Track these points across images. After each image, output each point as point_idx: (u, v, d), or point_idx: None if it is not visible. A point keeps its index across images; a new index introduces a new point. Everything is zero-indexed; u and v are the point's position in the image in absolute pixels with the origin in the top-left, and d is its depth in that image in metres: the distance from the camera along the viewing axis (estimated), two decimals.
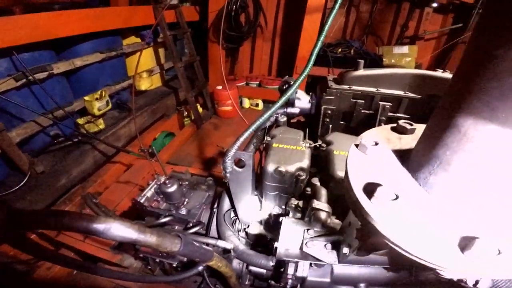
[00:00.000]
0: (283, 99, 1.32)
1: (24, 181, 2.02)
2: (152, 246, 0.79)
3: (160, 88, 3.56)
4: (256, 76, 3.89)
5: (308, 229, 1.04)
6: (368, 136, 0.75)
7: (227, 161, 1.25)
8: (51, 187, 2.14)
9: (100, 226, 0.65)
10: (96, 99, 2.49)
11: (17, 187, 1.98)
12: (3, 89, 1.88)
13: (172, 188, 1.90)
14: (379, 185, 0.54)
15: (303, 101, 1.68)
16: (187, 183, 2.08)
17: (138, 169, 2.58)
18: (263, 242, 1.56)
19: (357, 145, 0.70)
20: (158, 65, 3.48)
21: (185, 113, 3.61)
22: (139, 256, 1.77)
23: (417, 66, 3.33)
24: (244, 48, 4.01)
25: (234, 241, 1.48)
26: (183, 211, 1.90)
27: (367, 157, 0.66)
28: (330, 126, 1.63)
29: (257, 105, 3.84)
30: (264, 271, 1.39)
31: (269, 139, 1.41)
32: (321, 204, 1.03)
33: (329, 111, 1.58)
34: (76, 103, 2.43)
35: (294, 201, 1.29)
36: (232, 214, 1.86)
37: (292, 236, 1.04)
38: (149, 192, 1.92)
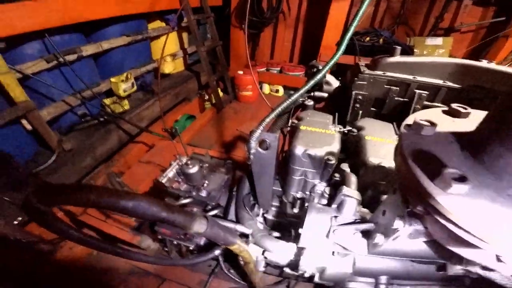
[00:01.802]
0: (312, 81, 1.22)
1: (53, 158, 2.05)
2: (180, 225, 0.75)
3: (183, 72, 3.51)
4: (277, 63, 3.74)
5: (336, 217, 0.95)
6: (421, 116, 0.64)
7: (251, 142, 1.18)
8: (77, 164, 2.16)
9: (129, 203, 0.60)
10: (122, 81, 2.48)
11: (46, 164, 2.01)
12: (36, 70, 1.88)
13: (193, 170, 1.86)
14: (443, 165, 0.44)
15: (332, 85, 1.57)
16: (207, 165, 2.04)
17: (160, 149, 2.57)
18: (281, 228, 1.51)
19: (408, 126, 0.60)
20: (182, 49, 3.41)
21: (206, 97, 3.56)
22: (157, 238, 1.77)
23: None
24: (265, 34, 3.86)
25: (253, 226, 1.42)
26: (203, 193, 1.86)
27: (423, 138, 0.56)
28: (360, 112, 1.51)
29: (277, 91, 3.72)
30: (281, 259, 1.31)
31: (295, 121, 1.31)
32: (352, 191, 0.95)
33: (360, 97, 1.46)
34: (103, 84, 2.42)
35: (320, 187, 1.21)
36: (252, 198, 1.81)
37: (318, 223, 0.96)
38: (170, 173, 1.89)
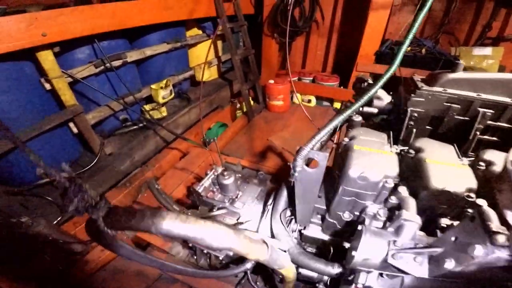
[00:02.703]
0: (366, 96, 1.11)
1: (95, 161, 2.10)
2: (242, 254, 0.68)
3: (217, 80, 3.52)
4: (309, 72, 3.64)
5: (394, 241, 0.93)
6: None
7: (298, 160, 1.11)
8: (116, 168, 2.20)
9: (198, 232, 0.54)
10: (161, 87, 2.51)
11: (88, 167, 2.06)
12: (85, 75, 1.94)
13: (229, 180, 1.82)
14: None
15: (384, 100, 1.45)
16: (239, 175, 1.99)
17: (194, 157, 2.56)
18: (318, 246, 1.46)
19: None
20: (216, 57, 3.43)
21: (238, 105, 3.54)
22: (187, 245, 1.73)
23: (501, 69, 2.82)
24: (297, 43, 3.79)
25: (289, 242, 1.36)
26: (238, 205, 1.81)
27: None
28: (414, 130, 1.38)
29: (309, 101, 3.61)
30: (315, 275, 1.31)
31: (347, 139, 1.22)
32: (413, 216, 0.90)
33: (415, 114, 1.33)
34: (144, 91, 2.46)
35: (373, 208, 1.11)
36: (287, 213, 1.72)
37: (374, 246, 0.93)
38: (206, 182, 1.86)
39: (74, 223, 1.91)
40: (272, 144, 2.93)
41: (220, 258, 1.61)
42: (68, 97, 1.83)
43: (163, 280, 1.71)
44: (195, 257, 1.86)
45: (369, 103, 1.50)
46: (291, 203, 1.60)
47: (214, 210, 1.82)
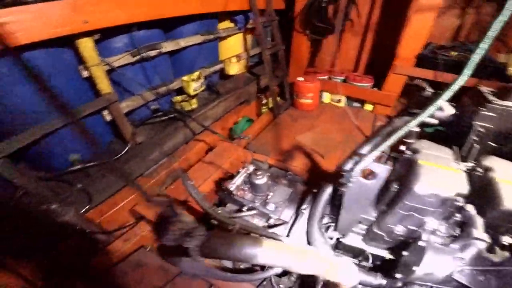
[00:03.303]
0: (434, 106, 1.00)
1: (126, 149, 2.08)
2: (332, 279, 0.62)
3: (245, 74, 3.43)
4: (341, 71, 3.48)
5: (460, 257, 0.92)
6: None
7: (356, 170, 1.04)
8: (145, 158, 2.17)
9: (293, 262, 0.47)
10: (193, 80, 2.45)
11: (120, 155, 2.04)
12: (121, 63, 1.90)
13: (262, 181, 1.75)
14: None
15: (446, 111, 1.32)
16: (269, 175, 1.90)
17: (221, 151, 2.51)
18: (355, 254, 1.42)
19: None
20: (245, 51, 3.34)
21: (264, 101, 3.44)
22: None
23: None
24: (328, 40, 3.61)
25: (328, 250, 1.35)
26: (270, 207, 1.74)
27: None
28: (477, 146, 1.24)
29: (339, 101, 3.46)
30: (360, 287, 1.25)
31: (409, 152, 1.11)
32: (482, 235, 0.89)
33: (482, 129, 1.20)
34: (175, 82, 2.41)
35: (432, 224, 1.02)
36: (325, 220, 1.65)
37: (438, 262, 0.93)
38: (238, 180, 1.80)
39: (100, 211, 1.90)
40: (300, 144, 2.82)
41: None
42: (104, 85, 1.81)
43: (183, 276, 1.68)
44: None
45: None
46: (332, 210, 1.52)
47: (243, 209, 1.76)
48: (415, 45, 2.69)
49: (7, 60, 1.38)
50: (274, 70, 3.45)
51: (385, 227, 1.15)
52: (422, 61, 2.81)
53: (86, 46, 1.60)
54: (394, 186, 1.10)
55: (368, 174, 1.09)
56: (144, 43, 2.01)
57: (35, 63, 1.49)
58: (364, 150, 1.39)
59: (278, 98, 3.49)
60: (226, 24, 3.00)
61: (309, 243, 1.46)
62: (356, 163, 1.03)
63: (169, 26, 2.31)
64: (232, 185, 1.72)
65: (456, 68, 2.68)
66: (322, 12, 2.89)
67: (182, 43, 2.32)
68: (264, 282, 1.72)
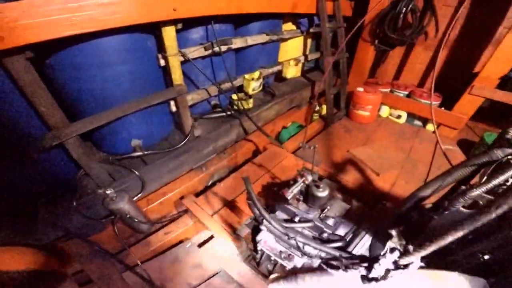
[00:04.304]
0: None
1: (184, 141, 2.09)
2: None
3: (299, 78, 3.34)
4: (405, 85, 3.23)
5: None
6: None
7: (460, 200, 0.92)
8: (200, 151, 2.17)
9: None
10: (253, 79, 2.41)
11: (178, 146, 2.06)
12: (195, 56, 1.91)
13: (323, 194, 1.64)
14: None
15: None
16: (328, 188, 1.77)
17: (271, 155, 2.44)
18: None
19: None
20: (303, 55, 3.24)
21: (316, 108, 3.31)
22: (256, 248, 1.61)
23: None
24: (394, 52, 3.38)
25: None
26: (331, 222, 1.62)
27: None
28: None
29: (399, 116, 3.21)
30: None
31: None
32: None
33: None
34: (238, 79, 2.40)
35: None
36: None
37: None
38: (296, 189, 1.70)
39: (147, 200, 1.92)
40: (353, 158, 2.65)
41: (288, 268, 1.52)
42: (178, 76, 1.82)
43: (219, 277, 1.63)
44: (257, 260, 1.75)
45: None
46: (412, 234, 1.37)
47: (295, 219, 1.67)
48: (504, 65, 2.39)
49: (97, 43, 1.43)
50: (333, 77, 3.31)
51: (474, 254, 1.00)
52: (506, 83, 2.49)
53: (169, 34, 1.62)
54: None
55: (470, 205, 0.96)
56: (217, 37, 2.01)
57: (122, 47, 1.53)
58: (452, 178, 1.23)
59: None
60: (289, 26, 2.94)
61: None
62: (463, 193, 0.91)
63: (239, 22, 2.30)
64: (290, 194, 1.63)
65: None
66: (398, 23, 2.69)
67: (250, 40, 2.29)
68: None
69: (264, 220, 1.49)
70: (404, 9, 2.66)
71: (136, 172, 1.84)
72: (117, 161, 1.89)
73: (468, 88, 2.61)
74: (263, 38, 2.44)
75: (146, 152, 1.96)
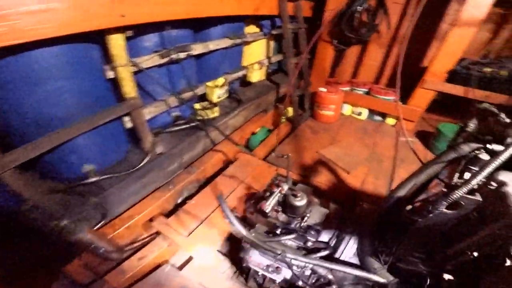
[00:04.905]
0: None
1: (146, 160, 1.88)
2: None
3: (264, 82, 3.27)
4: (363, 83, 3.36)
5: None
6: None
7: (443, 203, 0.92)
8: (164, 169, 1.98)
9: None
10: (217, 86, 2.28)
11: (139, 166, 1.84)
12: (149, 65, 1.71)
13: (302, 203, 1.59)
14: None
15: None
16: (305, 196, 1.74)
17: (243, 164, 2.33)
18: (406, 278, 1.30)
19: None
20: (267, 58, 3.19)
21: (283, 111, 3.28)
22: (242, 265, 1.52)
23: None
24: (350, 51, 3.50)
25: (386, 275, 1.27)
26: (313, 230, 1.58)
27: None
28: None
29: (360, 113, 3.33)
30: None
31: (494, 184, 0.97)
32: None
33: None
34: (200, 88, 2.24)
35: None
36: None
37: None
38: (273, 201, 1.62)
39: (113, 226, 1.70)
40: (323, 158, 2.66)
41: (277, 282, 1.49)
42: (130, 88, 1.62)
43: None
44: (244, 276, 1.65)
45: (501, 141, 1.24)
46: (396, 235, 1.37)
47: (277, 231, 1.60)
48: (450, 60, 2.59)
49: (28, 56, 1.19)
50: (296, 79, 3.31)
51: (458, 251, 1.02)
52: (453, 76, 2.70)
53: (117, 43, 1.42)
54: (474, 215, 1.00)
55: (454, 205, 0.97)
56: (174, 44, 1.83)
57: (60, 60, 1.29)
58: (424, 175, 1.26)
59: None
60: (252, 29, 2.85)
61: (368, 269, 1.30)
62: (446, 195, 0.91)
63: (198, 27, 2.15)
64: (268, 207, 1.55)
65: (488, 84, 2.58)
66: (353, 22, 2.77)
67: (211, 45, 2.15)
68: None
69: (245, 240, 1.39)
70: (359, 8, 2.76)
71: (94, 199, 1.61)
72: (70, 190, 1.63)
73: (420, 83, 2.79)
74: (226, 42, 2.32)
75: (102, 177, 1.71)
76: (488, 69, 2.59)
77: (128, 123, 1.77)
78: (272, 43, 3.22)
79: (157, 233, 1.76)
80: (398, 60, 3.26)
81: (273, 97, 3.22)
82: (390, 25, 3.03)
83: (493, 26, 2.90)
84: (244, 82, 2.98)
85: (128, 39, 1.54)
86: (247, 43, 2.79)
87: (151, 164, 1.89)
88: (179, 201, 2.18)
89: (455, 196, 0.89)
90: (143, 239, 1.77)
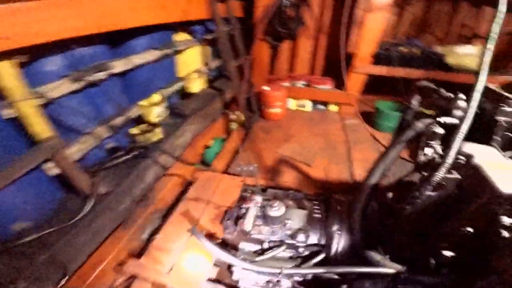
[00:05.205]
0: (473, 109, 0.93)
1: (90, 205, 1.51)
2: None
3: (207, 90, 3.05)
4: (300, 76, 3.43)
5: None
6: None
7: (428, 187, 0.91)
8: (115, 210, 1.64)
9: None
10: (154, 104, 2.00)
11: (83, 214, 1.47)
12: (60, 93, 1.36)
13: (280, 211, 1.48)
14: None
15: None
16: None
17: (205, 183, 2.10)
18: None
19: None
20: (205, 65, 2.98)
21: (232, 116, 3.14)
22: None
23: None
24: (283, 46, 3.55)
25: (393, 265, 1.19)
26: (301, 237, 1.48)
27: None
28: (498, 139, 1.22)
29: (304, 106, 3.40)
30: None
31: (463, 158, 0.99)
32: None
33: (506, 125, 1.17)
34: (133, 110, 1.92)
35: (507, 220, 0.93)
36: None
37: None
38: (251, 217, 1.48)
39: (81, 277, 1.41)
40: (283, 157, 2.61)
41: None
42: (40, 126, 1.25)
43: None
44: None
45: (448, 113, 1.31)
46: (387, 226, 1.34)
47: (265, 246, 1.47)
48: (372, 44, 2.80)
49: None
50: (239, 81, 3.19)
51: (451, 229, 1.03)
52: (378, 58, 2.94)
53: (6, 72, 1.06)
54: (455, 192, 0.99)
55: (438, 187, 0.95)
56: (87, 64, 1.51)
57: None
58: (389, 158, 1.26)
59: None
60: (183, 36, 2.61)
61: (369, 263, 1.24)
62: (428, 179, 0.90)
63: (116, 41, 1.83)
64: (248, 225, 1.39)
65: (408, 62, 2.88)
66: (283, 17, 2.79)
67: (136, 60, 1.86)
68: None
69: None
70: (286, 2, 2.79)
71: (43, 256, 1.25)
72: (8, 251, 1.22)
73: (350, 68, 2.96)
74: (153, 54, 2.05)
75: (42, 233, 1.33)
76: (404, 49, 2.90)
77: (52, 169, 1.38)
78: (208, 49, 3.03)
79: (133, 277, 1.48)
80: (327, 49, 3.45)
81: (219, 104, 3.04)
82: (313, 17, 3.15)
83: (398, 10, 3.26)
84: (184, 94, 2.72)
85: (22, 65, 1.18)
86: (180, 52, 2.54)
87: (98, 208, 1.53)
88: (145, 236, 1.87)
89: (437, 178, 0.88)
90: (120, 284, 1.50)
